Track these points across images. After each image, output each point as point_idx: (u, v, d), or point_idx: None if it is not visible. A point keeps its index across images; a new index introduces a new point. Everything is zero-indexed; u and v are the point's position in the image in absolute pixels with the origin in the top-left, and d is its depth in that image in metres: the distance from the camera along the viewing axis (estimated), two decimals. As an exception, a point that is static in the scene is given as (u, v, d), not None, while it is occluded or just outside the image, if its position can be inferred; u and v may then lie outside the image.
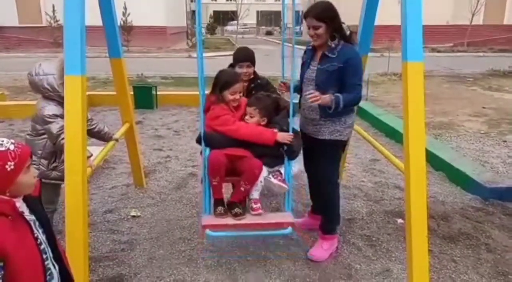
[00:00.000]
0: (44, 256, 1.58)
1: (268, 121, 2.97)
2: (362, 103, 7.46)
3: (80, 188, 2.41)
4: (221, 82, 2.91)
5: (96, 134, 3.55)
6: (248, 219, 2.80)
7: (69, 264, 1.77)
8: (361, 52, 3.65)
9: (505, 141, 6.04)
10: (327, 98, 2.78)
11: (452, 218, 3.74)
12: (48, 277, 1.59)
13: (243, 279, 2.91)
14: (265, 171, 2.86)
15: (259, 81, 3.35)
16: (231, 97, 2.89)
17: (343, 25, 2.92)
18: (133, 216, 3.77)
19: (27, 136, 3.16)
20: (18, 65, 14.15)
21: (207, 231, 2.73)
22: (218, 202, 2.84)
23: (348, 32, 2.92)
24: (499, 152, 5.57)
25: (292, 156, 2.96)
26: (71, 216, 2.38)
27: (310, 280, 2.90)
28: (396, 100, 8.81)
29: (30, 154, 1.57)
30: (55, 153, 3.07)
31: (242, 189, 2.83)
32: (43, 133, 3.06)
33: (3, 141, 1.50)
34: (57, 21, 20.58)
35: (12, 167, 1.48)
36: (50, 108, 2.98)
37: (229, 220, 2.78)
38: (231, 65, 3.36)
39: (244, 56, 3.31)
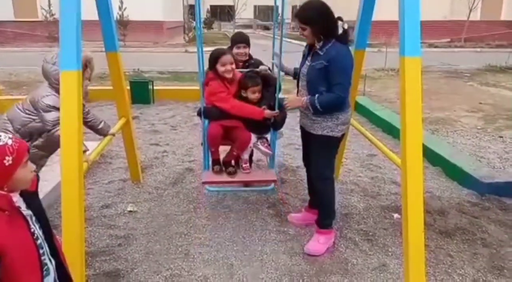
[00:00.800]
0: (41, 251, 1.58)
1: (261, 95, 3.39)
2: (359, 99, 7.47)
3: (77, 182, 2.40)
4: (212, 58, 3.29)
5: (91, 128, 3.57)
6: (239, 176, 3.46)
7: (65, 260, 1.76)
8: (359, 46, 3.66)
9: (501, 137, 6.06)
10: (299, 102, 3.01)
11: (448, 213, 3.76)
12: (44, 272, 1.58)
13: (240, 274, 2.92)
14: (253, 138, 3.42)
15: (252, 61, 3.81)
16: (222, 68, 3.24)
17: (339, 22, 2.89)
18: (130, 211, 3.76)
19: (16, 108, 3.18)
20: (14, 60, 14.08)
21: (206, 186, 3.58)
22: (216, 161, 3.47)
23: (341, 30, 2.89)
24: (495, 147, 5.59)
25: (277, 128, 3.49)
26: (67, 211, 2.37)
27: (307, 274, 2.91)
28: (393, 96, 8.82)
29: (28, 149, 1.56)
30: (32, 135, 3.10)
31: (234, 153, 3.46)
32: (33, 114, 3.08)
33: (0, 136, 1.49)
34: (53, 15, 20.43)
35: (10, 161, 1.47)
36: (52, 99, 3.02)
37: (224, 177, 3.43)
38: (230, 47, 3.80)
39: (241, 38, 3.81)
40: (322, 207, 3.25)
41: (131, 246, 3.22)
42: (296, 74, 3.26)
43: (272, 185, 3.64)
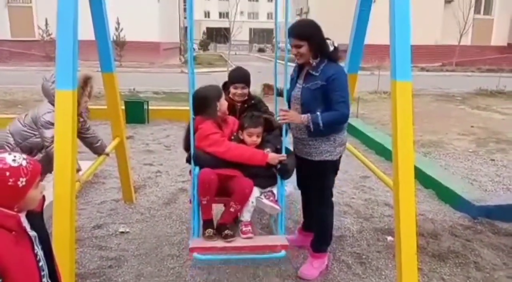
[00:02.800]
0: (42, 273, 1.57)
1: (261, 139, 2.96)
2: (352, 120, 7.52)
3: (68, 202, 2.39)
4: (203, 101, 2.89)
5: (87, 145, 3.59)
6: (238, 242, 2.69)
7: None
8: (351, 70, 3.72)
9: (493, 160, 6.11)
10: (303, 117, 2.79)
11: (441, 236, 3.75)
12: None
13: (232, 296, 2.87)
14: (256, 191, 2.79)
15: (253, 101, 3.29)
16: (225, 104, 2.93)
17: (328, 41, 2.88)
18: (122, 232, 3.72)
19: (18, 122, 3.20)
20: (9, 78, 14.08)
21: (195, 254, 2.60)
22: (207, 223, 2.74)
23: (332, 48, 2.88)
24: (487, 170, 5.64)
25: (285, 176, 2.90)
26: (58, 232, 2.35)
27: (300, 298, 2.87)
28: (385, 118, 8.90)
29: (40, 170, 1.56)
30: (32, 150, 3.11)
31: (232, 209, 2.75)
32: (34, 130, 3.11)
33: (15, 157, 1.50)
34: (49, 35, 20.58)
35: (24, 183, 1.48)
36: (52, 116, 3.09)
37: (219, 242, 2.66)
38: (225, 84, 3.31)
39: (240, 77, 3.25)
40: (320, 231, 3.19)
41: (122, 268, 3.17)
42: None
43: (283, 251, 2.69)
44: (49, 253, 1.64)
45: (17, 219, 1.48)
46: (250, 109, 3.20)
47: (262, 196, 2.81)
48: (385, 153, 6.07)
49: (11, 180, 1.44)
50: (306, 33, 2.84)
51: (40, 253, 1.58)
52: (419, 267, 2.87)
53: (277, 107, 3.17)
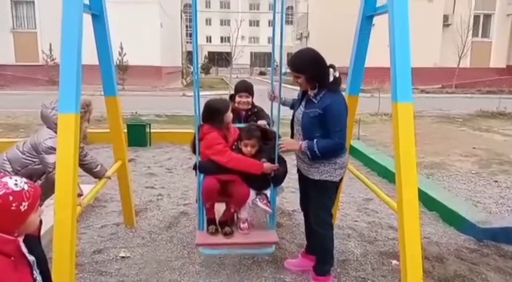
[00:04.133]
0: None
1: (258, 148, 3.29)
2: (353, 142, 7.52)
3: (69, 227, 2.37)
4: (211, 110, 3.23)
5: (87, 171, 3.57)
6: (236, 238, 3.21)
7: None
8: (352, 92, 3.74)
9: (496, 181, 6.07)
10: (296, 145, 2.98)
11: (447, 260, 3.69)
12: None
13: (235, 323, 2.80)
14: (252, 193, 3.24)
15: (255, 109, 3.83)
16: (231, 115, 3.28)
17: (331, 69, 2.93)
18: (122, 257, 3.67)
19: (16, 149, 3.18)
20: (12, 103, 14.22)
21: (201, 249, 3.31)
22: (211, 221, 3.27)
23: (332, 78, 2.91)
24: (491, 192, 5.59)
25: (277, 183, 3.35)
26: (58, 257, 2.32)
27: (304, 324, 2.80)
28: (387, 140, 8.90)
29: (41, 194, 1.55)
30: (32, 177, 3.09)
31: (231, 210, 3.29)
32: (34, 157, 3.09)
33: (17, 180, 1.49)
34: (53, 59, 20.88)
35: (26, 207, 1.47)
36: (53, 141, 3.07)
37: (220, 238, 3.19)
38: (232, 95, 3.86)
39: (244, 87, 3.82)
40: (321, 253, 3.17)
41: (122, 294, 3.11)
42: (292, 106, 3.31)
43: (273, 247, 3.35)
44: (47, 277, 1.62)
45: (16, 244, 1.46)
46: (253, 116, 3.74)
47: (257, 199, 3.27)
48: (388, 175, 6.04)
49: (14, 204, 1.43)
50: (302, 66, 2.94)
51: (39, 278, 1.55)
52: (426, 291, 2.81)
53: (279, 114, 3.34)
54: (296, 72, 2.94)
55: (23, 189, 1.47)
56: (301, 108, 3.06)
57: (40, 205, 1.58)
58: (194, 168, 3.29)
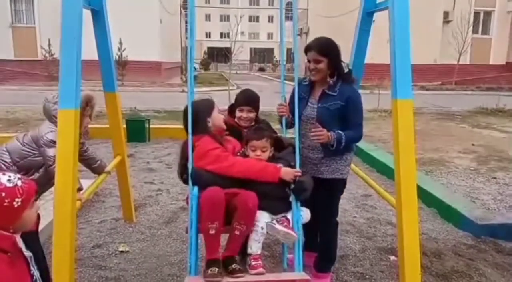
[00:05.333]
0: None
1: (272, 157, 2.62)
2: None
3: (69, 222, 2.37)
4: (199, 112, 2.57)
5: (87, 166, 3.58)
6: (248, 278, 2.22)
7: None
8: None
9: (494, 178, 6.09)
10: (327, 136, 2.69)
11: (445, 255, 3.71)
12: None
13: (233, 318, 2.81)
14: (266, 216, 2.38)
15: (261, 125, 2.95)
16: (220, 115, 2.66)
17: (343, 63, 2.89)
18: (121, 251, 3.68)
19: (16, 140, 3.18)
20: (11, 98, 14.19)
21: None
22: (213, 262, 2.23)
23: (346, 70, 2.89)
24: (489, 188, 5.61)
25: (302, 195, 2.48)
26: (58, 251, 2.33)
27: (302, 319, 2.81)
28: (386, 136, 8.91)
29: (36, 190, 1.55)
30: (30, 169, 3.09)
31: (237, 232, 2.27)
32: (34, 149, 3.09)
33: (10, 177, 1.49)
34: (52, 55, 20.82)
35: (19, 203, 1.46)
36: (55, 135, 3.04)
37: (224, 280, 2.16)
38: (232, 106, 3.05)
39: (245, 100, 2.97)
40: (325, 251, 3.16)
41: (121, 288, 3.13)
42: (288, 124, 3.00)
43: None
44: (45, 273, 1.62)
45: (12, 240, 1.46)
46: None
47: (275, 221, 2.36)
48: (387, 171, 6.05)
49: (6, 200, 1.43)
50: (328, 49, 2.82)
51: (36, 273, 1.56)
52: (423, 287, 2.83)
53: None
54: (321, 55, 2.79)
55: (17, 185, 1.47)
56: (312, 105, 2.91)
57: (36, 199, 1.57)
58: (185, 180, 2.50)
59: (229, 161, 2.41)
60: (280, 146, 2.70)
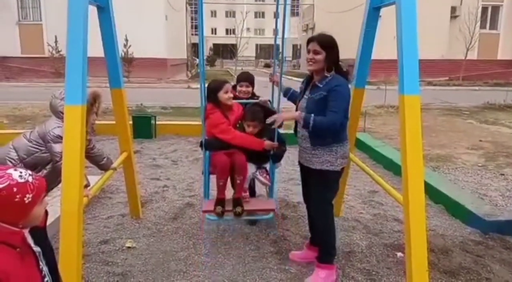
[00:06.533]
0: None
1: (260, 129, 3.51)
2: (359, 135, 7.51)
3: (76, 218, 2.39)
4: (212, 89, 3.51)
5: (94, 163, 3.59)
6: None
7: None
8: (359, 85, 3.72)
9: (502, 174, 6.04)
10: (295, 113, 3.00)
11: (452, 252, 3.69)
12: None
13: (240, 314, 2.82)
14: (253, 167, 3.54)
15: (255, 98, 4.00)
16: (226, 95, 3.48)
17: (340, 63, 3.01)
18: (128, 247, 3.70)
19: (23, 137, 3.20)
20: (18, 95, 14.29)
21: (207, 215, 3.55)
22: (219, 201, 3.41)
23: (344, 69, 3.02)
24: (497, 184, 5.56)
25: (276, 160, 3.64)
26: (65, 247, 2.35)
27: (309, 315, 2.82)
28: (393, 132, 8.87)
29: (46, 186, 1.56)
30: (37, 165, 3.11)
31: (238, 181, 3.43)
32: (41, 145, 3.11)
33: (21, 172, 1.49)
34: (59, 51, 20.93)
35: (30, 199, 1.46)
36: (61, 131, 3.06)
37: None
38: (235, 85, 4.02)
39: (244, 77, 4.06)
40: (323, 243, 3.20)
41: (128, 284, 3.14)
42: (286, 93, 3.50)
43: (271, 213, 3.59)
44: (54, 268, 1.63)
45: (21, 235, 1.47)
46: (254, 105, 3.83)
47: (257, 172, 3.57)
48: (393, 168, 6.02)
49: (18, 196, 1.43)
50: (330, 43, 2.98)
51: (45, 269, 1.56)
52: (430, 284, 2.81)
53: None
54: (321, 47, 2.94)
55: (28, 180, 1.47)
56: (306, 96, 3.11)
57: (45, 196, 1.58)
58: (201, 145, 3.58)
59: (230, 134, 3.42)
60: (269, 114, 3.39)
